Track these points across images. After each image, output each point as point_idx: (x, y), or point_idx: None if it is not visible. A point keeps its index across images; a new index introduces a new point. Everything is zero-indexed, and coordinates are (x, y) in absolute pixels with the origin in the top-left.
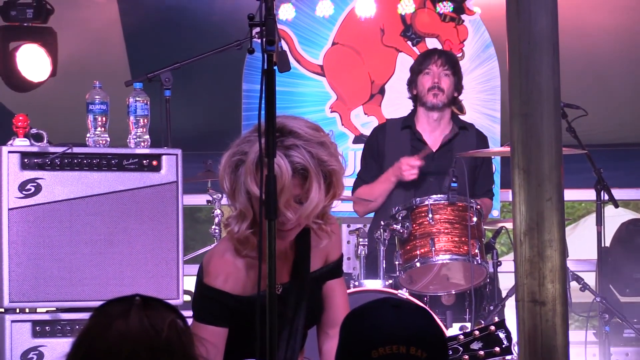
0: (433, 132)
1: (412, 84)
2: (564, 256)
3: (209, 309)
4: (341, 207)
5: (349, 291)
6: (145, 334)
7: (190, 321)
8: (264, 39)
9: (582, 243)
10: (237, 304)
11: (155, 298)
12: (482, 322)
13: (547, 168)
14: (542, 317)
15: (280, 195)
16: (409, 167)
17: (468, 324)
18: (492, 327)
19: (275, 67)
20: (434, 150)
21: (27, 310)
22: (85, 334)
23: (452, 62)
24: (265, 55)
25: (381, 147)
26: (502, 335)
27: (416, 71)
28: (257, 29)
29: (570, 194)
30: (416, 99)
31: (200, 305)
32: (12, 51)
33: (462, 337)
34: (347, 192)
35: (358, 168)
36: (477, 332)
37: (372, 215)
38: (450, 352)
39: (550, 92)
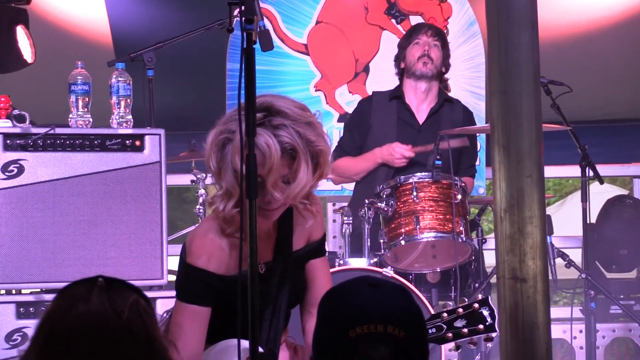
0: (420, 104)
1: (399, 59)
2: (544, 233)
3: (192, 289)
4: (326, 185)
5: (334, 270)
6: (106, 316)
7: (165, 302)
8: (243, 18)
9: (569, 220)
10: (220, 283)
11: (119, 279)
12: (466, 300)
13: (527, 145)
14: (523, 294)
15: (269, 175)
16: (401, 156)
17: (451, 302)
18: (476, 305)
19: (259, 46)
20: (420, 124)
21: (13, 292)
22: (47, 317)
23: (441, 35)
24: (245, 34)
25: (367, 119)
26: (485, 312)
27: (405, 45)
28: (239, 8)
29: (555, 171)
30: (403, 73)
31: (184, 284)
32: (11, 29)
33: (445, 315)
34: None
35: None
36: (460, 310)
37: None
38: (434, 330)
39: (530, 69)
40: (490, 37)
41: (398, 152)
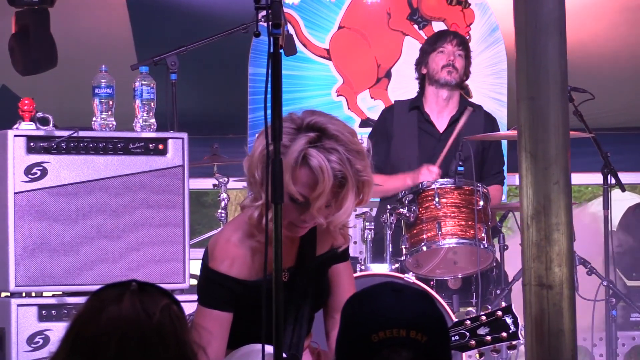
0: (441, 112)
1: (421, 63)
2: (571, 240)
3: (214, 294)
4: None
5: (355, 275)
6: (136, 317)
7: (187, 306)
8: (270, 22)
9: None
10: (242, 288)
11: (151, 284)
12: (489, 307)
13: (554, 151)
14: (549, 300)
15: (317, 200)
16: (428, 172)
17: (472, 309)
18: (499, 313)
19: (282, 51)
20: (441, 132)
21: (33, 294)
22: (77, 318)
23: (465, 45)
24: (272, 39)
25: (389, 129)
26: (509, 320)
27: (428, 50)
28: (263, 12)
29: (576, 178)
30: (424, 79)
31: (205, 289)
32: (47, 30)
33: (468, 322)
34: None
35: None
36: (483, 318)
37: (377, 199)
38: (457, 338)
39: (557, 75)
40: (518, 43)
41: (425, 167)
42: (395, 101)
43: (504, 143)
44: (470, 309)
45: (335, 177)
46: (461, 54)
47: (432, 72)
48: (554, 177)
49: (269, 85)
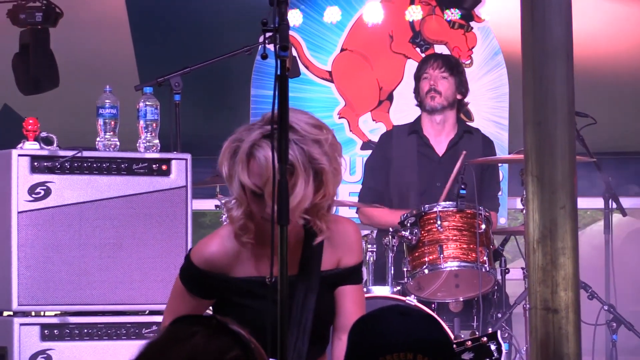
0: (438, 136)
1: (416, 90)
2: (577, 264)
3: (187, 279)
4: (347, 213)
5: None
6: None
7: None
8: (278, 45)
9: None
10: (218, 282)
11: (228, 327)
12: (477, 332)
13: (561, 176)
14: (555, 324)
15: (265, 186)
16: None
17: (463, 334)
18: (484, 339)
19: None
20: (440, 155)
21: (34, 314)
22: (149, 347)
23: (449, 65)
24: (279, 61)
25: (388, 154)
26: (493, 347)
27: (417, 77)
28: (267, 34)
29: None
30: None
31: (184, 274)
32: (48, 49)
33: (454, 346)
34: (354, 198)
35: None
36: (469, 343)
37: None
38: None
39: (564, 100)
40: (525, 68)
41: None
42: (394, 126)
43: (505, 167)
44: (458, 334)
45: None
46: (445, 75)
47: (421, 98)
48: (560, 201)
49: (276, 107)
